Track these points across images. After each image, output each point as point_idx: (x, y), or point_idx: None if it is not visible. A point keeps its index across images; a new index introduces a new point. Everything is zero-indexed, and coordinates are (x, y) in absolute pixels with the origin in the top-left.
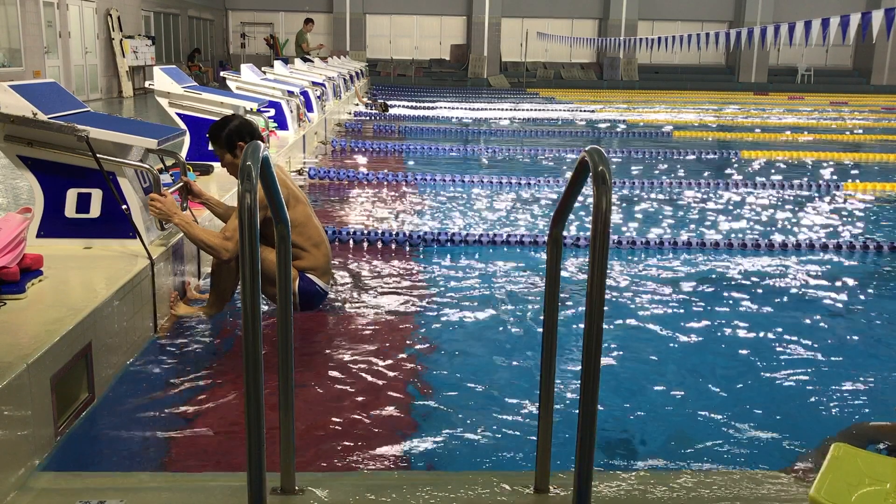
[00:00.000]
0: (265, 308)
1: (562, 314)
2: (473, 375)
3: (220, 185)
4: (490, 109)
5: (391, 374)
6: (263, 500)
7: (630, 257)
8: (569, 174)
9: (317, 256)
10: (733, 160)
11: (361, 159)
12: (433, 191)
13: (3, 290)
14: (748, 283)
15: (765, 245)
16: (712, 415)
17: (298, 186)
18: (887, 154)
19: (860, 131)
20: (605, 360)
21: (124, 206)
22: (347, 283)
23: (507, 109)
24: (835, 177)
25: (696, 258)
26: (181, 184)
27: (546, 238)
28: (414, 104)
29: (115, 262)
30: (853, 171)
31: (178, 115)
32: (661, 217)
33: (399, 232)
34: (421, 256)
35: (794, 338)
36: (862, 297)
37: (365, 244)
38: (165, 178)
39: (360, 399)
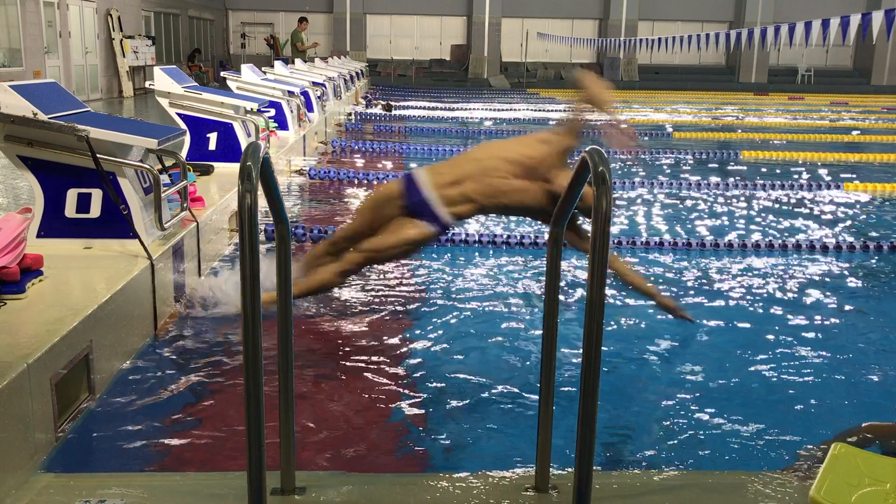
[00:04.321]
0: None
1: (562, 314)
2: (473, 375)
3: (220, 185)
4: (490, 110)
5: (391, 373)
6: (263, 500)
7: (630, 257)
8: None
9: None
10: (733, 160)
11: (361, 159)
12: None
13: (4, 290)
14: (748, 282)
15: (765, 245)
16: (712, 415)
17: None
18: (887, 154)
19: (860, 131)
20: (604, 360)
21: (123, 207)
22: (347, 283)
23: (507, 110)
24: (835, 177)
25: (696, 258)
26: (182, 184)
27: (546, 238)
28: (414, 104)
29: (115, 262)
30: (853, 171)
31: (179, 115)
32: (661, 217)
33: None
34: (421, 256)
35: (794, 338)
36: (862, 297)
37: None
38: (165, 178)
39: (360, 399)
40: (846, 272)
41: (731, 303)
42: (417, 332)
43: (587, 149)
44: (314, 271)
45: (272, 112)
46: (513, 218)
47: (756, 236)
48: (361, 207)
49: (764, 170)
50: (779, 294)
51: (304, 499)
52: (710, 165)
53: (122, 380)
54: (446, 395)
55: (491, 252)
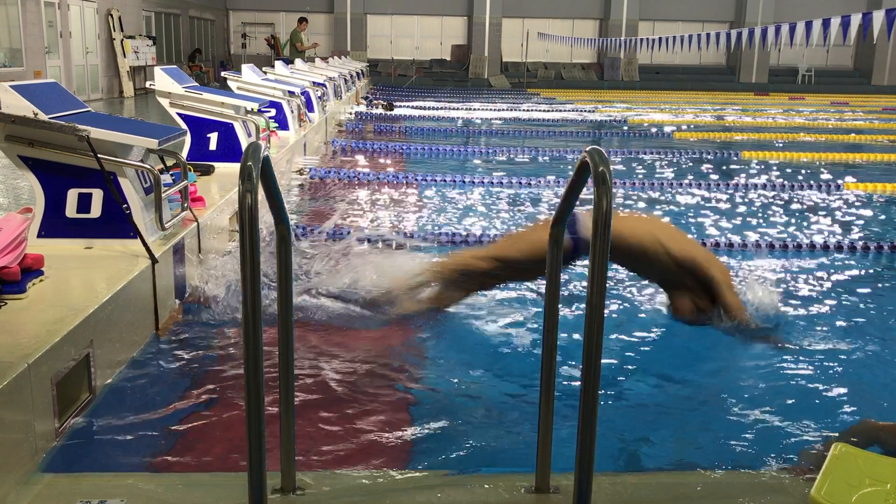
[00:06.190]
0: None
1: (562, 314)
2: (473, 375)
3: (221, 185)
4: (491, 110)
5: (391, 374)
6: (263, 500)
7: None
8: (569, 174)
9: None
10: (734, 161)
11: (361, 159)
12: (433, 191)
13: (4, 290)
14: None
15: (765, 245)
16: (712, 415)
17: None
18: (888, 154)
19: (860, 132)
20: (605, 360)
21: (125, 206)
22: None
23: (507, 110)
24: (835, 177)
25: None
26: (183, 184)
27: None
28: (414, 104)
29: (116, 262)
30: (853, 171)
31: (179, 115)
32: (661, 217)
33: (399, 232)
34: (421, 256)
35: (794, 337)
36: (863, 297)
37: (365, 244)
38: (166, 178)
39: (360, 399)
40: (846, 272)
41: None
42: (416, 331)
43: (587, 148)
44: (452, 287)
45: (273, 112)
46: (514, 217)
47: (756, 236)
48: (519, 252)
49: (764, 170)
50: (779, 294)
51: (304, 499)
52: (711, 165)
53: (123, 380)
54: (447, 395)
55: None
